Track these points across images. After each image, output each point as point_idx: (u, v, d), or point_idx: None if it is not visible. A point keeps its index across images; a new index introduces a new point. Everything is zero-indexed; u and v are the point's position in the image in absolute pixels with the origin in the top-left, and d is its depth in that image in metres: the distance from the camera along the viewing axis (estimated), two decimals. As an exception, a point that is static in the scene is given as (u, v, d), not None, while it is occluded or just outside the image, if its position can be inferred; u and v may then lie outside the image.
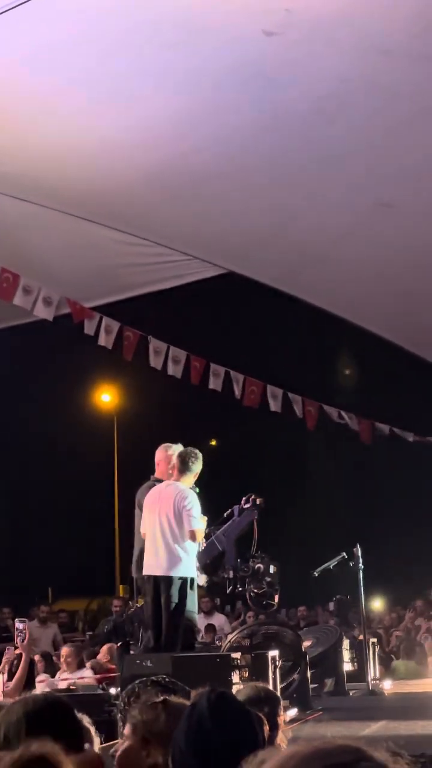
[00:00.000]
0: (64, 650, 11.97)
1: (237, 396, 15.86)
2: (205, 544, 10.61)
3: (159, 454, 10.51)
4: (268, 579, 11.31)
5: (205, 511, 10.14)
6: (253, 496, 11.57)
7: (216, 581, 12.18)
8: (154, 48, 9.41)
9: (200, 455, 10.15)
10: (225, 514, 11.61)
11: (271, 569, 11.36)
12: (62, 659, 11.76)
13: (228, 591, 11.52)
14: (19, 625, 10.05)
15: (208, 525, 11.31)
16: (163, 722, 3.70)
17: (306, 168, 11.28)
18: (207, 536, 11.47)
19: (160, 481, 10.25)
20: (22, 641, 9.66)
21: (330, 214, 12.11)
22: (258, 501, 11.54)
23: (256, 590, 11.31)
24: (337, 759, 1.77)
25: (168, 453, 10.36)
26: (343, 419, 16.75)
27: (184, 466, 9.98)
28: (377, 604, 21.28)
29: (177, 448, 10.37)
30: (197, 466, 10.06)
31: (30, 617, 16.64)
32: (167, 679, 4.69)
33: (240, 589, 11.35)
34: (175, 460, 10.08)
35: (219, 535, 11.46)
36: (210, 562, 11.63)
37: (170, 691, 4.47)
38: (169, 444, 10.45)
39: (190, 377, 15.57)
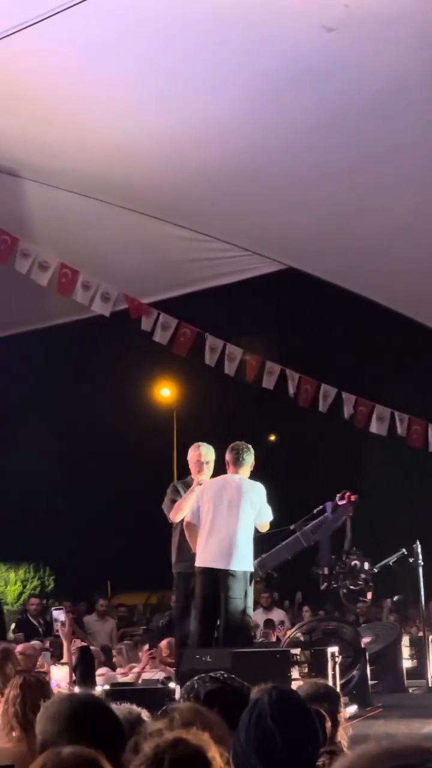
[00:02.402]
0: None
1: (290, 394, 15.76)
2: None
3: (189, 452, 10.48)
4: (363, 576, 11.29)
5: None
6: (348, 493, 11.50)
7: (262, 576, 12.16)
8: (211, 43, 9.40)
9: (251, 448, 9.99)
10: (315, 510, 11.55)
11: (366, 566, 11.34)
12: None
13: (322, 587, 11.49)
14: (56, 614, 9.90)
15: (294, 521, 11.27)
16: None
17: (364, 163, 11.22)
18: (292, 532, 11.43)
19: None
20: (63, 630, 9.58)
21: (388, 208, 12.03)
22: (353, 498, 11.47)
23: (351, 587, 11.30)
24: (407, 760, 1.78)
25: (197, 452, 10.30)
26: (395, 421, 16.44)
27: (237, 458, 9.80)
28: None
29: (206, 447, 10.32)
30: (250, 458, 9.86)
31: (78, 611, 16.73)
32: (226, 675, 4.70)
33: (335, 585, 11.32)
34: (227, 455, 9.93)
35: (306, 532, 11.40)
36: (292, 558, 11.60)
37: (229, 687, 4.48)
38: (199, 443, 10.40)
39: (245, 374, 15.53)
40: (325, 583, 11.30)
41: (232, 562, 9.38)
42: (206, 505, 9.65)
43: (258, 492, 9.63)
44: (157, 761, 2.73)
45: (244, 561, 9.46)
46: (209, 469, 10.23)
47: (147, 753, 2.79)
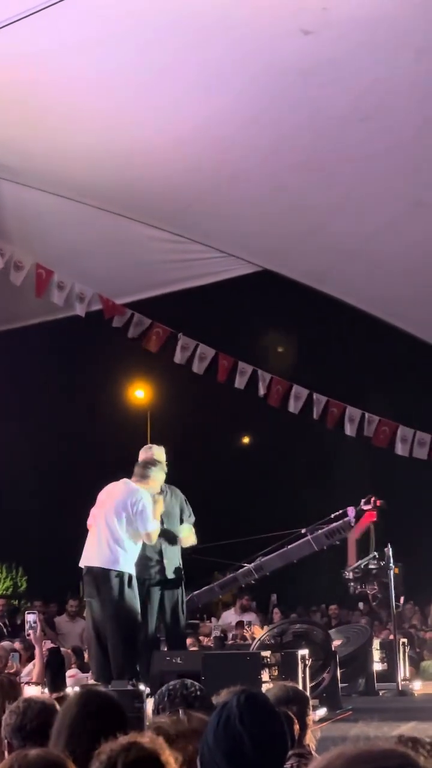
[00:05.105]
0: None
1: (261, 394, 15.75)
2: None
3: (141, 455, 10.43)
4: (384, 580, 11.27)
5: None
6: (373, 498, 11.44)
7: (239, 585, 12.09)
8: (190, 45, 9.42)
9: (162, 466, 9.92)
10: (333, 515, 11.47)
11: (390, 571, 11.32)
12: None
13: (350, 591, 11.45)
14: (29, 617, 9.87)
15: (307, 524, 11.17)
16: (185, 727, 3.70)
17: (341, 166, 11.25)
18: (303, 535, 11.35)
19: None
20: (34, 633, 9.54)
21: (365, 212, 12.07)
22: (378, 503, 11.41)
23: (368, 591, 11.29)
24: (383, 763, 1.79)
25: (148, 454, 10.28)
26: (363, 422, 16.39)
27: (144, 473, 9.85)
28: (409, 604, 21.18)
29: (158, 450, 10.30)
30: (158, 475, 9.85)
31: (49, 612, 16.63)
32: (198, 692, 4.69)
33: (360, 589, 11.28)
34: (137, 466, 9.95)
35: (320, 536, 11.32)
36: (298, 561, 11.52)
37: (200, 703, 4.47)
38: (150, 445, 10.36)
39: (217, 374, 15.52)
40: (352, 587, 11.29)
41: (106, 562, 9.44)
42: (96, 508, 9.87)
43: (135, 497, 9.59)
44: (110, 765, 2.74)
45: (118, 562, 9.44)
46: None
47: (101, 757, 2.81)
